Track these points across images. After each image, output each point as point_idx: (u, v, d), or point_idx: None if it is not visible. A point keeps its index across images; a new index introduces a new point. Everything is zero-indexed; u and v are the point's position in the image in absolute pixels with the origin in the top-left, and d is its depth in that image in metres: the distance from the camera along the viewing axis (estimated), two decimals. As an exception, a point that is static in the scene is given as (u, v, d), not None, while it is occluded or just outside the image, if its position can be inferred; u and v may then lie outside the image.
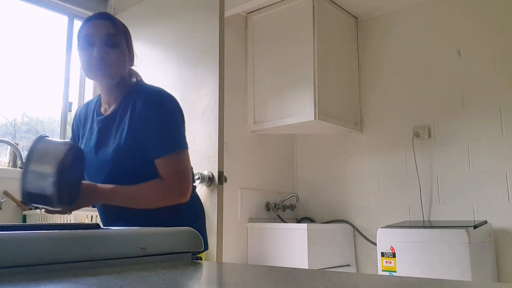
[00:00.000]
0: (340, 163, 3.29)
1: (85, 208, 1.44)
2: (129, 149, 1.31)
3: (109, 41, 1.34)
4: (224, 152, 1.97)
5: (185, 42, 2.17)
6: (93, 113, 1.44)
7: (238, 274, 0.60)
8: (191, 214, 1.43)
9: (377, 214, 3.06)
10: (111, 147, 1.33)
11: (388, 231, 2.49)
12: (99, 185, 1.28)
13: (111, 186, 1.28)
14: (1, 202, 2.01)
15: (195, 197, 1.45)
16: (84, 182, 1.26)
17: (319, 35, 2.93)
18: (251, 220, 3.07)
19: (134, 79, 1.45)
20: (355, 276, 0.54)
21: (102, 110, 1.42)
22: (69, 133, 2.53)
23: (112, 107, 1.39)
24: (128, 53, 1.41)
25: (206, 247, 1.49)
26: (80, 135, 1.47)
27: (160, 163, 1.29)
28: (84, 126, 1.46)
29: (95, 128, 1.40)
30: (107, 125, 1.38)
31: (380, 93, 3.18)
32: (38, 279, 0.46)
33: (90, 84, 2.61)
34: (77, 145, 1.38)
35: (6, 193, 2.07)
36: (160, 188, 1.29)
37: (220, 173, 1.88)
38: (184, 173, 1.30)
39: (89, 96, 2.57)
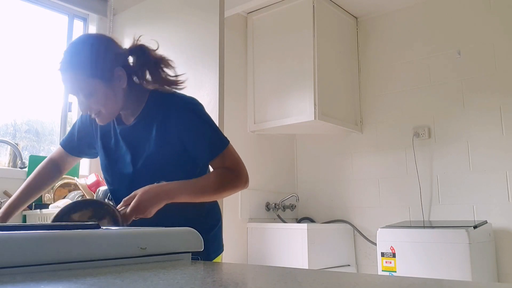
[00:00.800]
0: (340, 163, 3.29)
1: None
2: (164, 155, 1.30)
3: (81, 93, 1.26)
4: (224, 152, 1.97)
5: (185, 42, 2.17)
6: (113, 122, 1.38)
7: (238, 274, 0.60)
8: (214, 215, 1.44)
9: (377, 214, 3.06)
10: (144, 154, 1.31)
11: (388, 231, 2.49)
12: (161, 184, 1.21)
13: (176, 182, 1.24)
14: (1, 202, 2.01)
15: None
16: (140, 189, 1.19)
17: (319, 35, 2.93)
18: (251, 220, 3.07)
19: (149, 86, 1.34)
20: (355, 276, 0.54)
21: (123, 119, 1.36)
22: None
23: (135, 117, 1.34)
24: (109, 87, 1.25)
25: (222, 249, 1.50)
26: (97, 144, 1.42)
27: (217, 162, 1.30)
28: (103, 135, 1.40)
29: (119, 138, 1.35)
30: (133, 134, 1.34)
31: (380, 93, 3.18)
32: (38, 279, 0.46)
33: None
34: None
35: (6, 193, 2.07)
36: (228, 174, 1.30)
37: (220, 173, 1.87)
38: (241, 162, 1.33)
39: (89, 96, 2.57)
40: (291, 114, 2.94)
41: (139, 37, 1.36)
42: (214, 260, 1.42)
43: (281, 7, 3.10)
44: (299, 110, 2.90)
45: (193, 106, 1.36)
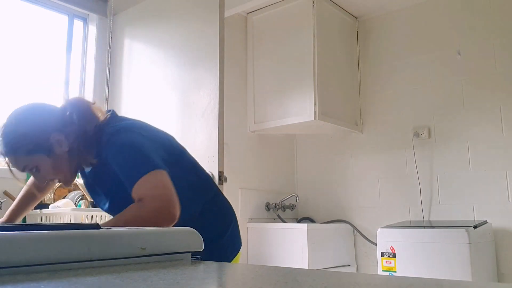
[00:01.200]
0: (340, 163, 3.29)
1: (85, 208, 1.43)
2: (121, 189, 1.22)
3: (28, 170, 1.27)
4: (224, 152, 1.97)
5: (185, 42, 2.17)
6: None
7: (238, 274, 0.60)
8: (222, 221, 1.46)
9: (377, 214, 3.06)
10: (110, 192, 1.31)
11: (388, 231, 2.49)
12: None
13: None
14: (1, 202, 2.01)
15: (219, 202, 1.48)
16: None
17: (319, 35, 2.93)
18: (251, 220, 3.07)
19: (98, 129, 1.30)
20: (355, 276, 0.54)
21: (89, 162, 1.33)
22: (69, 133, 2.53)
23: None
24: (51, 157, 1.25)
25: (238, 248, 1.53)
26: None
27: (135, 190, 1.16)
28: (82, 174, 1.41)
29: (89, 178, 1.37)
30: (97, 175, 1.33)
31: (380, 93, 3.18)
32: (38, 279, 0.46)
33: (90, 84, 2.61)
34: None
35: (6, 193, 2.07)
36: (137, 210, 1.13)
37: (220, 173, 1.88)
38: (160, 191, 1.15)
39: (89, 96, 2.57)
40: (291, 114, 2.94)
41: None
42: (233, 260, 1.47)
43: (281, 7, 3.10)
44: (299, 110, 2.90)
45: (118, 137, 1.23)
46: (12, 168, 1.30)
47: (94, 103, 1.34)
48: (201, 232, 1.21)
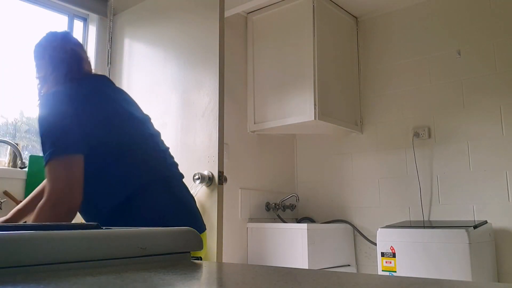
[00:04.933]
0: (340, 163, 3.29)
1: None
2: None
3: (38, 69, 1.48)
4: (224, 152, 1.97)
5: (185, 42, 2.17)
6: None
7: (238, 274, 0.60)
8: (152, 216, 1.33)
9: (377, 214, 3.06)
10: None
11: (388, 231, 2.50)
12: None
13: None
14: (1, 202, 2.01)
15: (148, 198, 1.33)
16: None
17: (319, 35, 2.93)
18: (251, 220, 3.07)
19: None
20: (355, 276, 0.54)
21: None
22: (69, 133, 2.53)
23: None
24: (42, 70, 1.44)
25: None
26: None
27: (45, 174, 1.21)
28: None
29: None
30: None
31: (380, 93, 3.18)
32: (38, 279, 0.46)
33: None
34: None
35: (6, 193, 2.07)
36: (42, 209, 1.17)
37: (220, 173, 1.88)
38: (61, 182, 1.16)
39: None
40: (291, 114, 2.94)
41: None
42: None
43: (281, 7, 3.10)
44: (299, 110, 2.90)
45: (40, 104, 1.32)
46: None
47: (87, 59, 1.50)
48: (127, 223, 1.17)
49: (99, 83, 1.45)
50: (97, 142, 1.27)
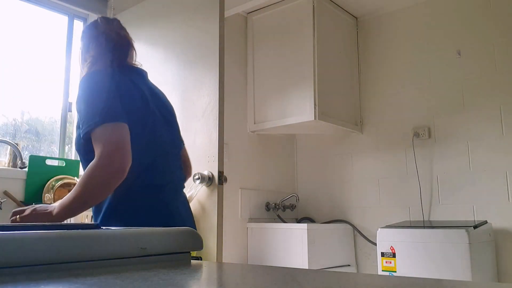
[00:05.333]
0: (340, 163, 3.29)
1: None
2: (78, 139, 1.35)
3: (82, 49, 1.53)
4: (224, 152, 1.97)
5: (185, 42, 2.17)
6: None
7: (238, 274, 0.60)
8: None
9: (377, 214, 3.06)
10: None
11: (388, 231, 2.50)
12: (51, 207, 1.28)
13: (58, 204, 1.27)
14: (1, 202, 2.01)
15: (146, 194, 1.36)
16: (35, 206, 1.30)
17: (319, 35, 2.93)
18: (251, 220, 3.07)
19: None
20: (355, 276, 0.54)
21: None
22: (68, 133, 2.53)
23: None
24: (82, 55, 1.51)
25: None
26: None
27: (92, 141, 1.25)
28: None
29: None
30: None
31: (380, 93, 3.18)
32: (38, 279, 0.46)
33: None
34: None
35: (6, 193, 2.07)
36: (92, 171, 1.20)
37: (220, 173, 1.88)
38: (109, 145, 1.20)
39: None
40: (291, 114, 2.94)
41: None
42: None
43: (281, 7, 3.10)
44: (299, 110, 2.90)
45: (81, 83, 1.35)
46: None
47: (134, 55, 1.54)
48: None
49: (142, 75, 1.53)
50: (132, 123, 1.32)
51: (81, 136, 1.27)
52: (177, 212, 1.43)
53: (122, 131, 1.24)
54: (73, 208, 1.24)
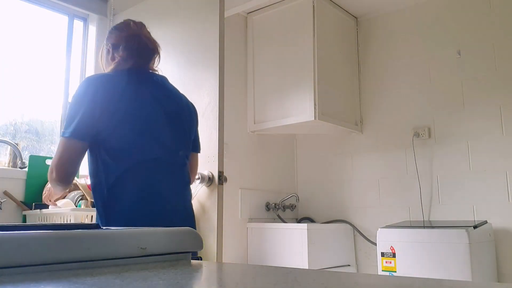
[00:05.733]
0: (340, 163, 3.29)
1: (85, 208, 1.46)
2: None
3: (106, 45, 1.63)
4: (224, 152, 1.97)
5: (185, 42, 2.17)
6: None
7: (238, 274, 0.60)
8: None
9: (377, 214, 3.06)
10: None
11: (388, 231, 2.49)
12: None
13: None
14: (1, 202, 2.01)
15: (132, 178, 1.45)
16: None
17: (319, 35, 2.93)
18: (251, 220, 3.07)
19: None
20: (355, 276, 0.54)
21: None
22: (69, 133, 2.53)
23: None
24: (103, 56, 1.63)
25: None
26: None
27: None
28: None
29: None
30: None
31: (380, 93, 3.18)
32: (38, 279, 0.46)
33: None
34: None
35: (6, 193, 2.07)
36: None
37: (220, 173, 1.88)
38: (56, 157, 1.41)
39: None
40: (291, 114, 2.94)
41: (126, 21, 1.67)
42: None
43: (281, 7, 3.10)
44: (299, 110, 2.90)
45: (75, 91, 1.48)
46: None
47: (157, 61, 1.64)
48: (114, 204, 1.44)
49: (157, 82, 1.58)
50: (99, 135, 1.44)
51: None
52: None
53: (70, 147, 1.41)
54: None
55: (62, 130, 1.44)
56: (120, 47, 1.55)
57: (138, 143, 1.46)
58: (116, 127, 1.43)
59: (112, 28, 1.65)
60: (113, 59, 1.56)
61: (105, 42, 1.62)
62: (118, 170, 1.42)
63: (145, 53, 1.57)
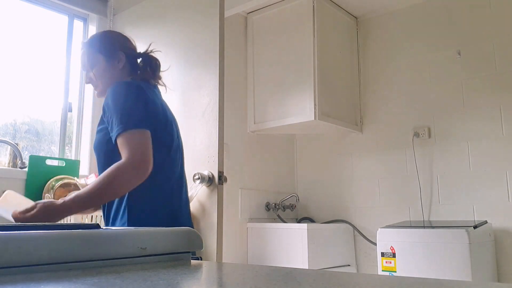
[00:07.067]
0: (340, 163, 3.29)
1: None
2: (100, 140, 1.46)
3: (87, 64, 1.58)
4: (224, 152, 1.97)
5: (185, 42, 2.17)
6: None
7: (238, 274, 0.60)
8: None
9: (377, 214, 3.06)
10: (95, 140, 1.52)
11: (388, 231, 2.49)
12: (59, 201, 1.32)
13: (72, 195, 1.32)
14: (1, 202, 2.00)
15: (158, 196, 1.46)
16: (42, 201, 1.32)
17: (319, 35, 2.93)
18: (251, 220, 3.07)
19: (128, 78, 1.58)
20: (355, 276, 0.54)
21: None
22: (68, 133, 2.53)
23: None
24: (108, 62, 1.57)
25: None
26: None
27: (119, 144, 1.35)
28: None
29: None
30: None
31: (380, 93, 3.18)
32: (38, 279, 0.46)
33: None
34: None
35: (6, 193, 2.07)
36: (115, 169, 1.30)
37: (220, 173, 1.87)
38: (136, 148, 1.32)
39: (89, 96, 2.57)
40: (291, 114, 2.94)
41: (153, 49, 1.66)
42: None
43: (281, 7, 3.10)
44: (299, 110, 2.90)
45: (115, 86, 1.44)
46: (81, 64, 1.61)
47: (158, 77, 1.63)
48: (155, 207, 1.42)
49: (157, 90, 1.61)
50: (157, 131, 1.43)
51: (112, 139, 1.37)
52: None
53: (146, 138, 1.35)
54: (88, 200, 1.31)
55: (119, 126, 1.35)
56: (135, 57, 1.60)
57: (179, 154, 1.57)
58: (166, 128, 1.48)
59: (117, 36, 1.66)
60: (126, 68, 1.58)
61: (109, 48, 1.59)
62: (175, 171, 1.48)
63: (156, 69, 1.62)
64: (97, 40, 1.60)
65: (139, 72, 1.59)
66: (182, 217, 1.51)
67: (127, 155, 1.30)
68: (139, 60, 1.62)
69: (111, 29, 2.62)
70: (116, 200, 1.43)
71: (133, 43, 1.67)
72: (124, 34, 1.70)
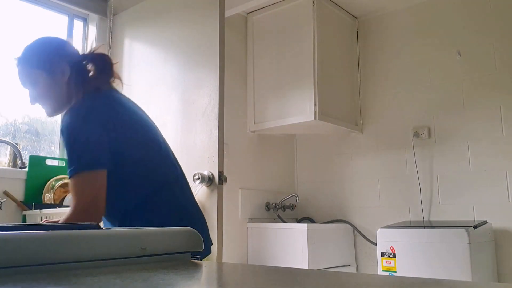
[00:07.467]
0: (340, 163, 3.29)
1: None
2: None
3: (27, 82, 1.41)
4: (224, 152, 1.97)
5: (185, 42, 2.17)
6: None
7: (238, 274, 0.60)
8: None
9: (377, 214, 3.06)
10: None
11: (388, 231, 2.49)
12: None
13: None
14: (1, 202, 2.01)
15: (161, 200, 1.36)
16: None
17: (319, 35, 2.93)
18: (251, 220, 3.07)
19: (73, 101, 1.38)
20: (355, 276, 0.54)
21: None
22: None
23: None
24: (50, 78, 1.38)
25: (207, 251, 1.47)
26: None
27: (69, 187, 1.25)
28: None
29: None
30: None
31: (380, 93, 3.18)
32: (38, 279, 0.46)
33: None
34: None
35: (6, 193, 2.07)
36: (66, 219, 1.20)
37: (220, 173, 1.88)
38: (88, 195, 1.20)
39: (89, 96, 2.57)
40: (291, 114, 2.94)
41: (96, 47, 1.47)
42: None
43: (281, 7, 3.10)
44: (299, 110, 2.90)
45: (70, 115, 1.29)
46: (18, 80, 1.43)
47: (114, 74, 1.43)
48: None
49: (117, 94, 1.44)
50: (120, 156, 1.30)
51: (68, 173, 1.25)
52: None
53: (98, 180, 1.22)
54: None
55: (70, 168, 1.23)
56: (80, 62, 1.40)
57: (159, 163, 1.40)
58: (131, 149, 1.34)
59: (55, 43, 1.50)
60: (72, 79, 1.39)
61: (49, 60, 1.41)
62: (140, 194, 1.33)
63: (107, 63, 1.44)
64: (32, 54, 1.43)
65: (90, 79, 1.38)
66: (193, 218, 1.43)
67: (74, 202, 1.21)
68: (85, 62, 1.41)
69: (110, 29, 2.62)
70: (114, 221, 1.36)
71: (72, 45, 1.50)
72: (60, 37, 1.52)
